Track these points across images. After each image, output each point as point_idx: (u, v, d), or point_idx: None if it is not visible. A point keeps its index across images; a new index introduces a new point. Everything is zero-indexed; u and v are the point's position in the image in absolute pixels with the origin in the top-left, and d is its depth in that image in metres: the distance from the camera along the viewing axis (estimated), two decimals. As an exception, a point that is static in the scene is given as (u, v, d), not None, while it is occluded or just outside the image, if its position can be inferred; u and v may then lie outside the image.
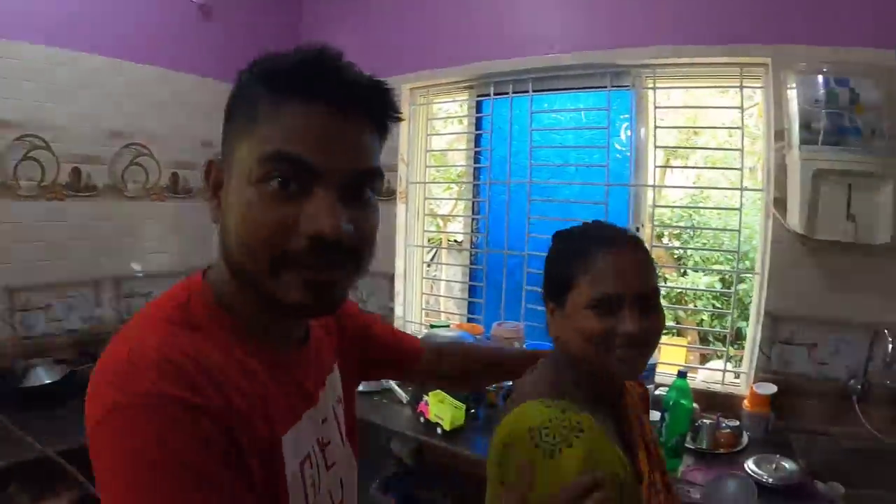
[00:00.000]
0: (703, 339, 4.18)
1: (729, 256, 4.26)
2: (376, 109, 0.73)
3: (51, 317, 2.48)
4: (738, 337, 4.18)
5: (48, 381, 2.24)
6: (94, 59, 2.51)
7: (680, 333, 4.08)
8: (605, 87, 2.46)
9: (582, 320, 0.96)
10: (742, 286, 4.17)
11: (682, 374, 1.88)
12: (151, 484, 0.59)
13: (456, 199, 3.61)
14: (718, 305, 4.28)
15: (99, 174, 2.58)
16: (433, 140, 3.17)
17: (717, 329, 4.14)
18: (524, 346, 2.47)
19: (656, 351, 2.37)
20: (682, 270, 4.22)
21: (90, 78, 2.51)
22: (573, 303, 0.98)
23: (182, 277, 0.81)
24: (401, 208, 3.09)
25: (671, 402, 1.83)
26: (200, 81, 2.92)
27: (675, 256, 3.86)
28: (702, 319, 4.36)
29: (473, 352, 1.44)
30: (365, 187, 0.73)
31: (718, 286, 4.28)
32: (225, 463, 0.63)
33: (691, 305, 4.19)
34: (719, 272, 4.30)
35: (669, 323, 3.18)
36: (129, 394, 0.61)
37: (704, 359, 3.71)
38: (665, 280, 2.60)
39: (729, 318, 2.52)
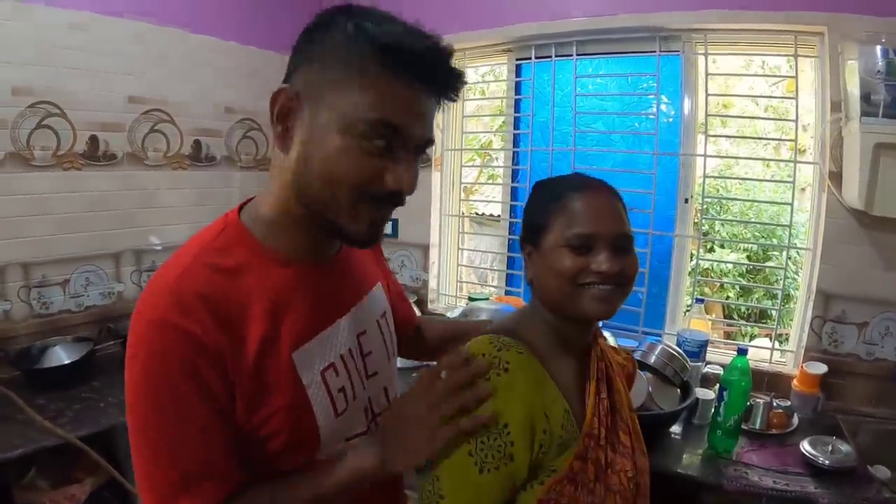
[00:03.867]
0: (729, 316, 4.15)
1: (756, 233, 4.23)
2: (452, 95, 0.88)
3: (69, 293, 2.39)
4: (763, 316, 4.18)
5: (68, 362, 2.15)
6: (110, 21, 2.38)
7: (707, 310, 4.03)
8: (654, 51, 2.35)
9: (557, 259, 1.00)
10: (768, 263, 4.20)
11: (742, 352, 1.82)
12: (139, 390, 0.79)
13: (480, 166, 3.51)
14: (746, 283, 4.25)
15: (118, 142, 2.47)
16: (468, 106, 3.07)
17: (746, 305, 4.13)
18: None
19: (709, 328, 2.32)
20: (708, 246, 4.15)
21: (106, 42, 2.38)
22: (549, 243, 1.02)
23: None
24: (436, 176, 2.97)
25: (730, 381, 1.78)
26: (224, 45, 2.81)
27: (703, 232, 3.79)
28: (728, 296, 4.34)
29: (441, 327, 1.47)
30: (425, 151, 0.90)
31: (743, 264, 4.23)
32: (197, 384, 0.79)
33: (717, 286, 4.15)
34: (746, 247, 4.26)
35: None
36: (143, 318, 0.80)
37: (728, 336, 3.69)
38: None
39: (778, 294, 2.43)
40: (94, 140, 2.39)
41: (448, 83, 0.85)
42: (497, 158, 5.10)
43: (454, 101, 0.89)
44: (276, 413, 0.85)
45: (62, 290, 2.37)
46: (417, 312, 1.60)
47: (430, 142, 0.89)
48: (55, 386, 2.10)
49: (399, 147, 0.83)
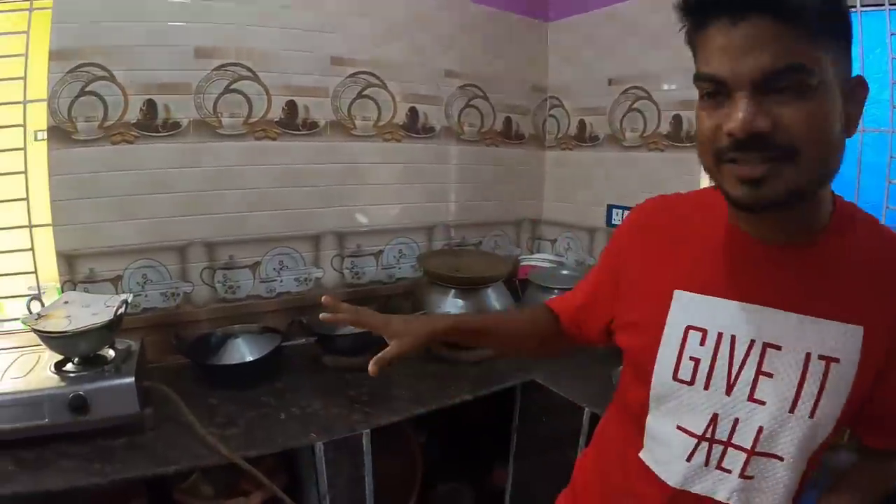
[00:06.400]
0: None
1: None
2: (768, 4, 0.67)
3: (259, 277, 2.06)
4: None
5: (249, 359, 1.78)
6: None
7: None
8: None
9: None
10: None
11: None
12: None
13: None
14: None
15: (320, 108, 2.08)
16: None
17: None
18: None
19: None
20: None
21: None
22: None
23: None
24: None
25: None
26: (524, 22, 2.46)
27: None
28: None
29: None
30: (783, 85, 0.69)
31: None
32: (604, 260, 1.08)
33: None
34: None
35: None
36: None
37: None
38: None
39: None
40: (291, 106, 2.01)
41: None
42: None
43: (780, 7, 0.66)
44: (631, 325, 0.96)
45: (252, 274, 2.04)
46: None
47: (776, 72, 0.68)
48: (232, 384, 1.74)
49: (734, 91, 0.71)
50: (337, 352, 1.92)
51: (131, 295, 1.62)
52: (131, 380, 1.45)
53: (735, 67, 0.69)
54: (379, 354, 0.99)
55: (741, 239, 0.85)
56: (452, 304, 2.02)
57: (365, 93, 2.18)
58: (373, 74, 2.19)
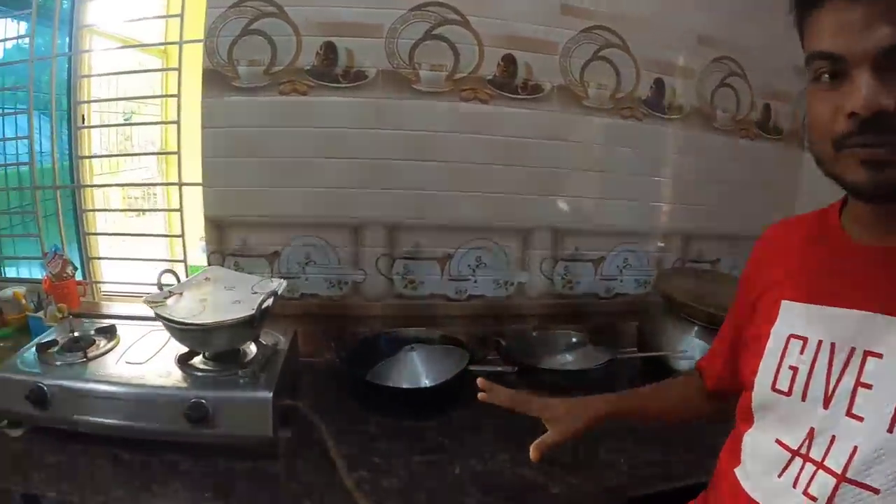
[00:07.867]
0: None
1: None
2: None
3: (448, 273, 1.63)
4: None
5: (427, 384, 1.32)
6: None
7: None
8: None
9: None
10: None
11: None
12: None
13: None
14: None
15: (545, 68, 1.61)
16: None
17: None
18: None
19: None
20: None
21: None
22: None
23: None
24: None
25: None
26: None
27: None
28: None
29: None
30: None
31: None
32: (738, 295, 0.95)
33: None
34: None
35: None
36: None
37: None
38: None
39: None
40: (509, 62, 1.57)
41: None
42: None
43: None
44: (748, 342, 0.86)
45: (439, 269, 1.62)
46: None
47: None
48: (399, 411, 1.29)
49: (852, 69, 0.62)
50: (539, 388, 1.35)
51: (283, 283, 1.25)
52: (268, 395, 1.08)
53: (854, 43, 0.61)
54: (539, 440, 0.99)
55: (850, 244, 0.77)
56: (690, 343, 1.47)
57: (602, 53, 1.65)
58: (612, 31, 1.65)
